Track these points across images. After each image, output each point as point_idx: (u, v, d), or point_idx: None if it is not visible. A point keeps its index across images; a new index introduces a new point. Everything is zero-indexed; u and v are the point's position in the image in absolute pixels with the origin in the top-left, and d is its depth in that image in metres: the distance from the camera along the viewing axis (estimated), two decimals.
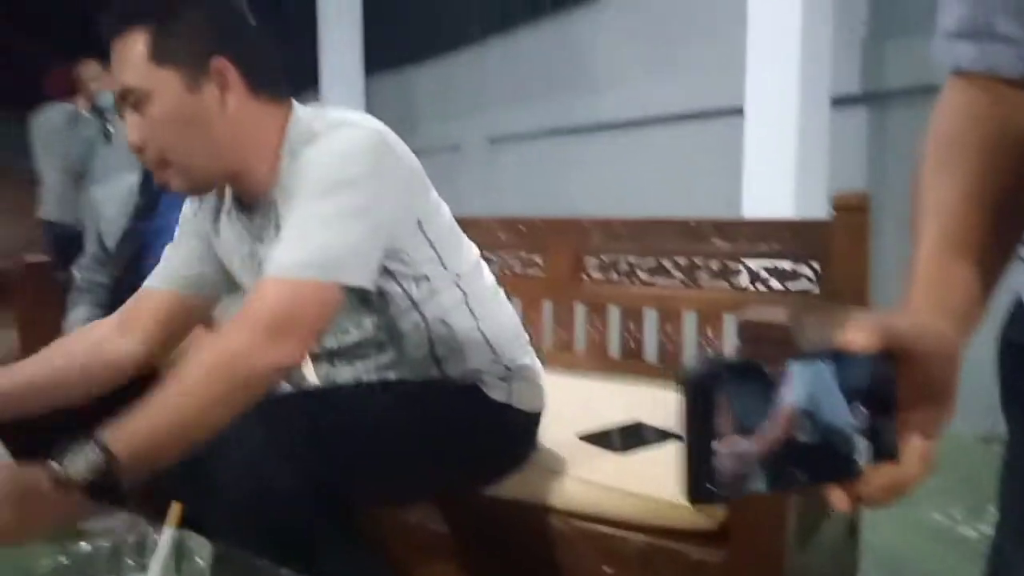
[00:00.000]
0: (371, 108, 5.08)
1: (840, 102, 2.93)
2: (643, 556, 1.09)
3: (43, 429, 1.35)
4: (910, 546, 1.90)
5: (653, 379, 1.71)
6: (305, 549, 0.91)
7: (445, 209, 1.11)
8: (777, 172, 2.87)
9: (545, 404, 1.24)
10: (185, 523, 0.73)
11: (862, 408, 0.44)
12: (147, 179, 1.70)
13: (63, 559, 0.70)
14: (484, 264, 1.20)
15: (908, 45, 2.73)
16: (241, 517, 0.88)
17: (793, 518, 1.00)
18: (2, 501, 0.71)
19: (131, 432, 0.79)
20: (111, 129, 3.29)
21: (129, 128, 0.99)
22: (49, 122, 3.47)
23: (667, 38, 3.73)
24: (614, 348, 1.76)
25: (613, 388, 1.68)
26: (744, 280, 1.58)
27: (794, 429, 0.42)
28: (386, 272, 1.02)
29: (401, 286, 1.05)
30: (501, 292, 1.21)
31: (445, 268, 1.07)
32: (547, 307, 1.84)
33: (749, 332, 0.93)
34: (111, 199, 1.74)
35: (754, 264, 1.56)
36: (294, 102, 1.06)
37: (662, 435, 1.36)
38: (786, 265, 1.52)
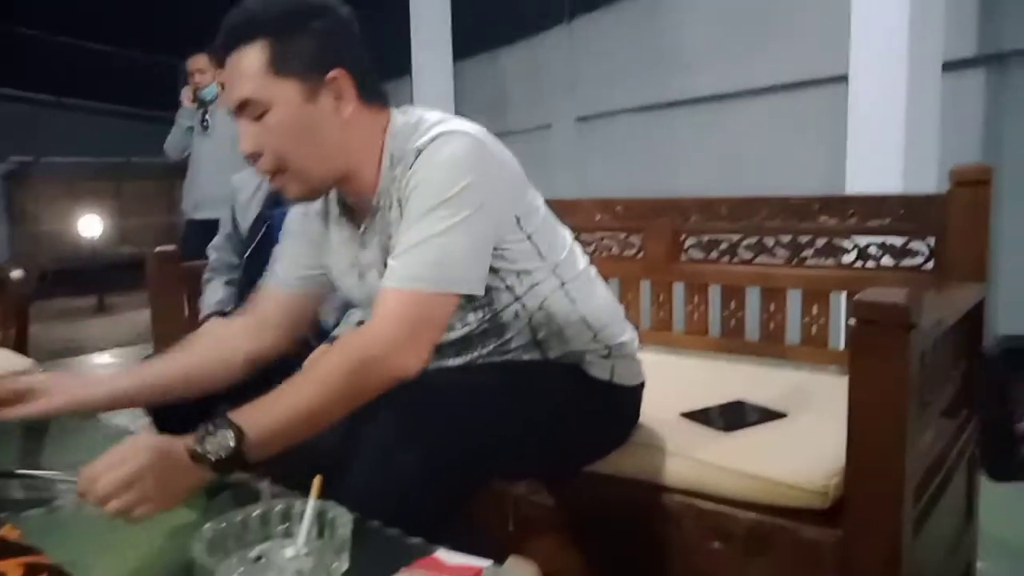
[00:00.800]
0: (461, 92, 5.16)
1: (954, 66, 2.76)
2: (753, 533, 1.09)
3: (186, 411, 1.50)
4: None
5: (754, 357, 1.70)
6: (422, 523, 0.96)
7: (540, 200, 1.13)
8: (884, 142, 2.73)
9: (644, 378, 1.25)
10: (326, 495, 0.78)
11: None
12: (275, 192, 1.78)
13: (221, 524, 0.76)
14: (578, 246, 1.22)
15: None
16: (362, 491, 0.91)
17: (910, 499, 0.98)
18: (147, 470, 0.79)
19: (263, 416, 0.87)
20: (208, 120, 3.50)
21: (243, 137, 1.02)
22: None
23: (761, 7, 3.60)
24: (714, 327, 1.75)
25: (713, 367, 1.68)
26: (851, 257, 1.54)
27: None
28: (491, 270, 1.05)
29: (504, 281, 1.08)
30: (595, 273, 1.23)
31: (543, 259, 1.10)
32: (645, 287, 1.84)
33: (866, 313, 0.92)
34: (246, 184, 1.82)
35: (863, 241, 1.51)
36: (393, 110, 1.10)
37: (765, 414, 1.35)
38: (897, 241, 1.47)
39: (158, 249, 2.00)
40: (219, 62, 1.04)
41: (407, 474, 0.94)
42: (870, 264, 1.51)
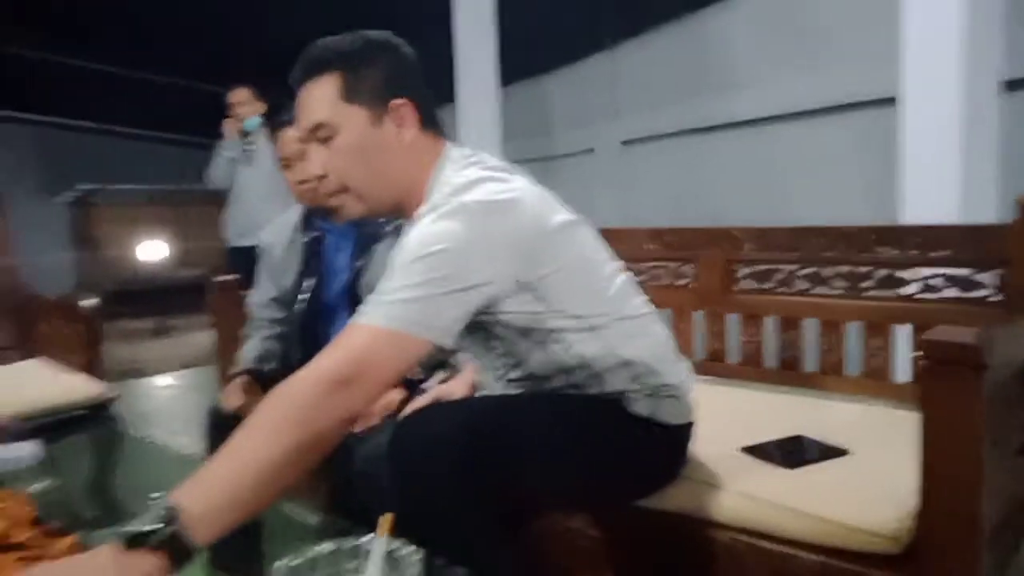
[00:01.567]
0: (505, 117, 5.22)
1: (1015, 85, 2.69)
2: None
3: None
4: None
5: (812, 389, 1.67)
6: (472, 553, 0.96)
7: (572, 254, 1.09)
8: (939, 165, 2.67)
9: (694, 418, 1.23)
10: (396, 533, 0.80)
11: None
12: (311, 240, 1.74)
13: (293, 561, 0.78)
14: (630, 287, 1.19)
15: None
16: (411, 522, 0.92)
17: (987, 544, 0.95)
18: None
19: (200, 485, 0.81)
20: (251, 151, 3.63)
21: (312, 160, 1.12)
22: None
23: (805, 29, 3.57)
24: (770, 358, 1.72)
25: (769, 399, 1.65)
26: (913, 289, 1.50)
27: None
28: (499, 323, 1.08)
29: (517, 331, 1.10)
30: (648, 312, 1.20)
31: (558, 312, 1.08)
32: (698, 317, 1.83)
33: (937, 353, 0.90)
34: (277, 240, 1.81)
35: (925, 272, 1.48)
36: (448, 143, 1.15)
37: (826, 450, 1.32)
38: (962, 273, 1.44)
39: (220, 279, 2.06)
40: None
41: (447, 495, 0.95)
42: (933, 296, 1.48)
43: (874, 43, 2.98)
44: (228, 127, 3.69)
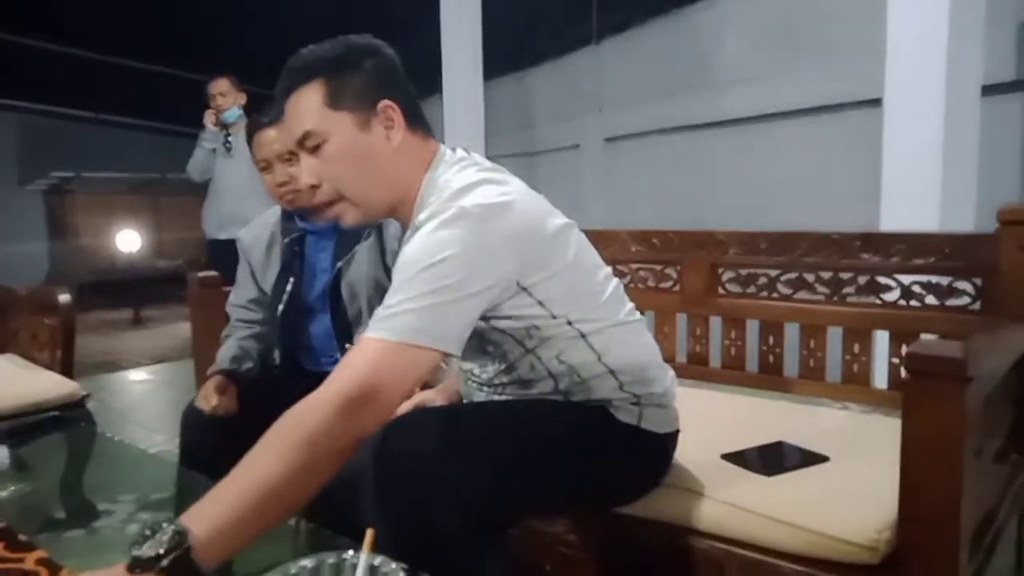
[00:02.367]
0: (490, 111, 5.20)
1: (993, 89, 2.72)
2: None
3: (214, 447, 1.51)
4: None
5: (793, 394, 1.68)
6: (456, 560, 0.96)
7: (568, 258, 1.09)
8: (920, 166, 2.69)
9: (678, 426, 1.24)
10: (379, 548, 0.78)
11: None
12: (291, 241, 1.71)
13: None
14: (621, 293, 1.19)
15: None
16: (395, 533, 0.92)
17: (965, 555, 0.96)
18: None
19: (210, 507, 0.81)
20: (231, 142, 3.58)
21: (304, 170, 1.10)
22: None
23: (792, 29, 3.58)
24: (752, 362, 1.73)
25: (750, 403, 1.65)
26: (895, 295, 1.51)
27: None
28: (494, 329, 1.08)
29: (512, 337, 1.09)
30: (637, 323, 1.20)
31: (554, 317, 1.08)
32: (682, 320, 1.83)
33: (921, 365, 0.90)
34: (257, 241, 1.78)
35: (906, 279, 1.49)
36: (441, 146, 1.15)
37: (807, 457, 1.33)
38: (943, 280, 1.44)
39: (201, 275, 2.02)
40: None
41: (433, 503, 0.94)
42: (914, 303, 1.49)
43: (861, 44, 3.00)
44: (208, 118, 3.63)
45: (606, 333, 1.12)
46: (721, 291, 1.75)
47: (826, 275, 1.59)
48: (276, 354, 1.79)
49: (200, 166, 3.70)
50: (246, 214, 3.62)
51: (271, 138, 1.62)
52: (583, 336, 1.11)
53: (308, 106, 1.06)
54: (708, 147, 4.15)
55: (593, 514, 1.25)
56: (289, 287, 1.71)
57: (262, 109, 1.65)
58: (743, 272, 1.71)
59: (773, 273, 1.66)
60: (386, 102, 1.08)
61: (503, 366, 1.14)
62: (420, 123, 1.13)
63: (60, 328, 2.12)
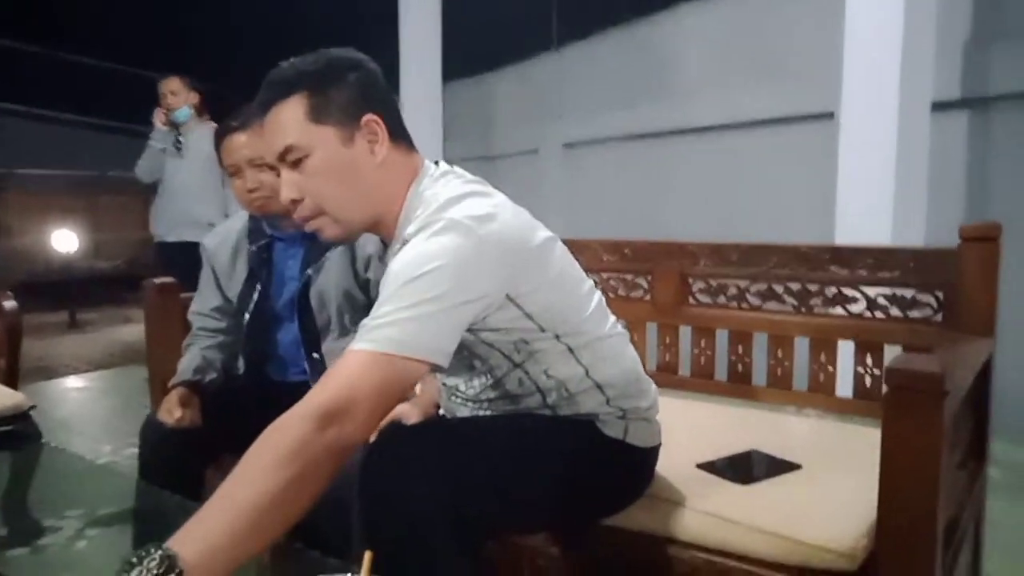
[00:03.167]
0: (448, 113, 5.17)
1: (940, 107, 2.84)
2: None
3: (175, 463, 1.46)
4: None
5: (761, 402, 1.71)
6: (438, 569, 0.95)
7: (555, 272, 1.09)
8: (874, 178, 2.79)
9: (660, 440, 1.25)
10: (377, 570, 0.76)
11: None
12: (260, 247, 1.67)
13: None
14: (603, 306, 1.19)
15: (1013, 49, 2.63)
16: (380, 543, 0.90)
17: (940, 556, 0.99)
18: None
19: (196, 528, 0.79)
20: (182, 142, 3.49)
21: (285, 185, 1.07)
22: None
23: (753, 41, 3.67)
24: (721, 371, 1.76)
25: (721, 411, 1.68)
26: (860, 307, 1.56)
27: None
28: (482, 342, 1.07)
29: (500, 351, 1.09)
30: (621, 336, 1.21)
31: (543, 331, 1.08)
32: (652, 329, 1.85)
33: (901, 380, 0.93)
34: (220, 249, 1.73)
35: (872, 291, 1.54)
36: (426, 160, 1.13)
37: (779, 466, 1.35)
38: (907, 293, 1.50)
39: (158, 281, 1.94)
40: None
41: (417, 509, 0.93)
42: (879, 314, 1.53)
43: (816, 58, 3.09)
44: (158, 117, 3.51)
45: (593, 347, 1.12)
46: (691, 301, 1.78)
47: (795, 287, 1.62)
48: (240, 363, 1.74)
49: (151, 167, 3.57)
50: (197, 215, 3.54)
51: (241, 143, 1.57)
52: (571, 350, 1.10)
53: (290, 120, 1.04)
54: (667, 155, 4.21)
55: (574, 525, 1.25)
56: (256, 295, 1.66)
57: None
58: (713, 282, 1.74)
59: (743, 284, 1.69)
60: (370, 116, 1.05)
61: (490, 381, 1.13)
62: (403, 137, 1.11)
63: (4, 336, 2.01)
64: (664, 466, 1.27)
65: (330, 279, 1.63)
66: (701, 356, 1.77)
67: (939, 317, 1.47)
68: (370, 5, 4.94)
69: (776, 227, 3.39)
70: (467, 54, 5.58)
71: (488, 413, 1.17)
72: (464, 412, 1.21)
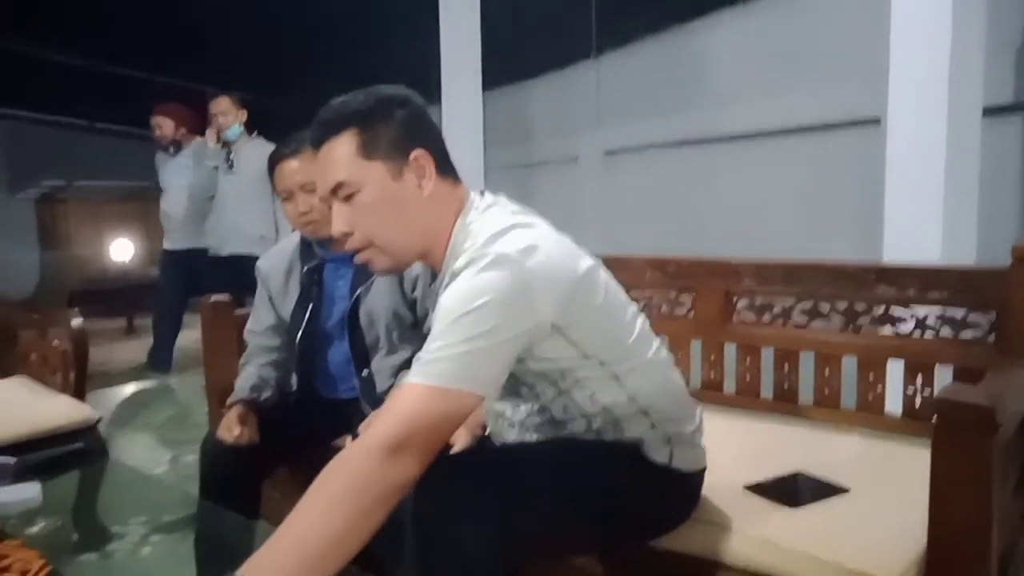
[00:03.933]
0: (489, 121, 5.21)
1: (992, 112, 2.76)
2: None
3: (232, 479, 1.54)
4: None
5: (808, 420, 1.70)
6: None
7: (601, 299, 1.10)
8: (922, 186, 2.71)
9: (706, 463, 1.25)
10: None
11: None
12: (311, 269, 1.73)
13: None
14: (648, 331, 1.20)
15: None
16: (428, 566, 0.96)
17: None
18: None
19: (265, 559, 0.84)
20: (233, 159, 3.62)
21: (336, 218, 1.12)
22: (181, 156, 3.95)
23: (795, 45, 3.62)
24: (766, 389, 1.75)
25: (767, 430, 1.68)
26: (909, 326, 1.54)
27: None
28: (529, 371, 1.10)
29: (547, 378, 1.11)
30: (666, 360, 1.22)
31: (587, 358, 1.10)
32: (696, 346, 1.85)
33: (950, 413, 0.92)
34: (274, 270, 1.79)
35: (921, 311, 1.52)
36: (471, 192, 1.16)
37: (826, 489, 1.35)
38: (957, 313, 1.48)
39: (214, 298, 2.02)
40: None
41: (470, 547, 0.96)
42: (929, 335, 1.52)
43: (861, 63, 3.03)
44: (210, 136, 3.66)
45: (637, 373, 1.14)
46: (736, 319, 1.78)
47: (841, 305, 1.61)
48: (293, 380, 1.80)
49: (205, 185, 3.74)
50: (246, 228, 3.66)
51: (293, 168, 1.63)
52: (616, 377, 1.12)
53: (341, 156, 1.08)
54: (707, 162, 4.18)
55: (621, 547, 1.27)
56: (307, 315, 1.72)
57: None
58: (757, 301, 1.73)
59: (788, 302, 1.69)
60: (418, 151, 1.09)
61: (536, 407, 1.16)
62: (449, 170, 1.14)
63: (72, 350, 2.11)
64: (711, 486, 1.27)
65: (379, 299, 1.68)
66: (746, 374, 1.77)
67: (991, 338, 1.45)
68: (411, 13, 5.00)
69: (821, 236, 3.34)
70: (506, 63, 5.61)
71: (535, 437, 1.20)
72: (511, 435, 1.24)
